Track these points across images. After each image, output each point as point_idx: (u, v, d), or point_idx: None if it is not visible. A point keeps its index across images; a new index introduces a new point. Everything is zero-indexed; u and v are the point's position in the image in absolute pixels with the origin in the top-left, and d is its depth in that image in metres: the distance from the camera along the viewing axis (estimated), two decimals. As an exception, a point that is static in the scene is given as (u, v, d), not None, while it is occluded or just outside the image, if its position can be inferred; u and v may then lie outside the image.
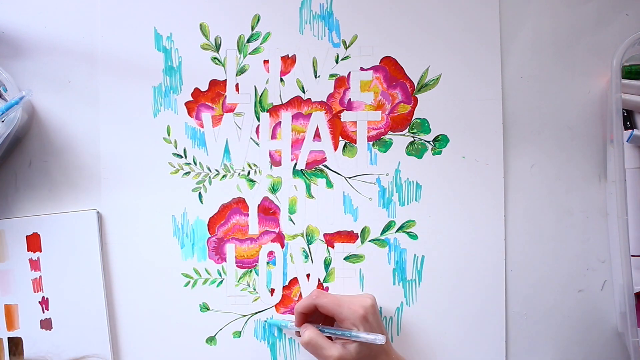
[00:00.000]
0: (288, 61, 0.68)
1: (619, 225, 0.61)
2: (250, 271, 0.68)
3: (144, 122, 0.68)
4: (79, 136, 0.68)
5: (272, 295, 0.68)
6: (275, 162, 0.68)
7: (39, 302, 0.66)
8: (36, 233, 0.67)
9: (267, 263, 0.68)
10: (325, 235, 0.68)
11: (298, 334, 0.64)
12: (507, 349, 0.66)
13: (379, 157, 0.68)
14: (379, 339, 0.58)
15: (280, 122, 0.68)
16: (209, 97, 0.68)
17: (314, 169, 0.68)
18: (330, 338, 0.61)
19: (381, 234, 0.68)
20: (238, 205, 0.68)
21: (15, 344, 0.66)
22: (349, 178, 0.68)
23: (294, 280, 0.68)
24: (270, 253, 0.68)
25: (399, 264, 0.67)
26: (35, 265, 0.67)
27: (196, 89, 0.68)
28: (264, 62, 0.68)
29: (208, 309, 0.68)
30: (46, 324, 0.67)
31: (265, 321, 0.67)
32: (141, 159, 0.68)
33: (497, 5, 0.67)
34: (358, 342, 0.59)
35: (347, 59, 0.68)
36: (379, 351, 0.60)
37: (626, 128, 0.64)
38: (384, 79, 0.68)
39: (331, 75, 0.68)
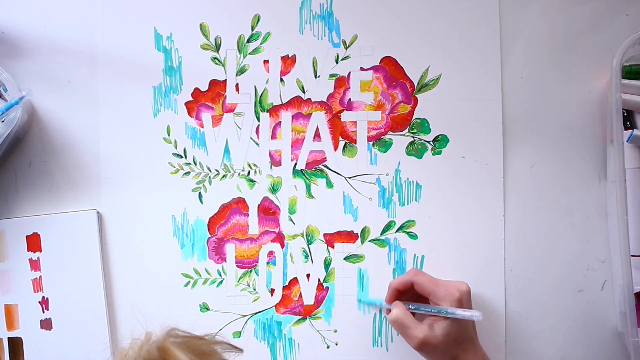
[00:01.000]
0: (288, 61, 0.68)
1: (619, 225, 0.61)
2: (250, 271, 0.68)
3: (144, 122, 0.68)
4: (79, 136, 0.68)
5: (272, 295, 0.68)
6: (275, 162, 0.68)
7: (39, 302, 0.67)
8: (36, 233, 0.67)
9: (267, 263, 0.68)
10: (325, 235, 0.68)
11: (388, 311, 0.64)
12: (506, 348, 0.66)
13: (379, 157, 0.68)
14: (475, 315, 0.58)
15: (280, 122, 0.68)
16: (209, 97, 0.68)
17: (314, 169, 0.68)
18: (420, 319, 0.61)
19: (381, 234, 0.68)
20: (238, 205, 0.68)
21: (15, 344, 0.66)
22: (349, 178, 0.68)
23: (294, 281, 0.68)
24: (270, 253, 0.68)
25: (399, 264, 0.67)
26: (35, 265, 0.67)
27: (196, 89, 0.68)
28: (264, 62, 0.68)
29: (208, 309, 0.68)
30: (46, 324, 0.67)
31: (360, 300, 0.67)
32: (141, 159, 0.68)
33: (497, 5, 0.67)
34: (447, 322, 0.59)
35: (347, 59, 0.68)
36: (465, 338, 0.60)
37: (626, 128, 0.64)
38: (384, 79, 0.68)
39: (331, 75, 0.68)
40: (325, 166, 0.68)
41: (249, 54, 0.68)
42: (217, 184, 0.68)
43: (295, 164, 0.68)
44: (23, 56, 0.68)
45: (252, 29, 0.68)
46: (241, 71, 0.68)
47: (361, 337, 0.67)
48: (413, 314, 0.61)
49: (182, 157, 0.68)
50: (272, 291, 0.68)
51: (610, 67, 0.62)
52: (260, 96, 0.68)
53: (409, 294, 0.64)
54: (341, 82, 0.68)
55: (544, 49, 0.67)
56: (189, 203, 0.68)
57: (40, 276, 0.67)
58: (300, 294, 0.68)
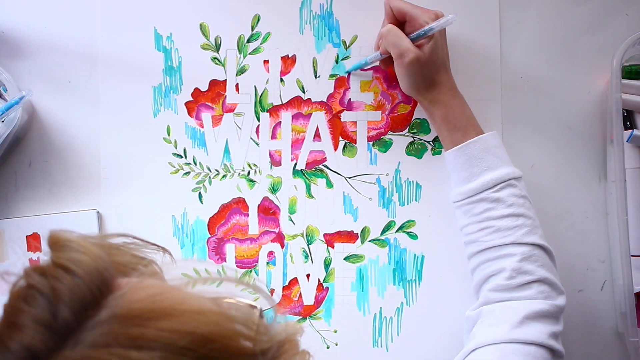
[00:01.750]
0: (288, 61, 0.68)
1: (619, 225, 0.61)
2: (250, 271, 0.68)
3: (144, 122, 0.68)
4: (79, 136, 0.68)
5: (272, 295, 0.68)
6: (275, 162, 0.68)
7: (39, 302, 0.66)
8: (36, 233, 0.67)
9: (267, 263, 0.68)
10: (325, 235, 0.68)
11: (379, 65, 0.65)
12: (507, 349, 0.66)
13: (379, 157, 0.68)
14: (450, 17, 0.58)
15: (280, 122, 0.68)
16: (209, 97, 0.68)
17: (314, 169, 0.68)
18: None
19: (381, 234, 0.68)
20: (238, 205, 0.68)
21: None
22: (349, 178, 0.68)
23: (294, 281, 0.68)
24: (270, 253, 0.68)
25: (399, 264, 0.67)
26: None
27: (196, 89, 0.68)
28: (264, 62, 0.68)
29: (208, 309, 0.67)
30: (46, 324, 0.66)
31: (344, 71, 0.68)
32: (141, 159, 0.68)
33: (497, 5, 0.67)
34: (431, 44, 0.59)
35: (347, 59, 0.68)
36: (440, 65, 0.61)
37: (626, 128, 0.64)
38: (384, 79, 0.68)
39: (331, 75, 0.68)
40: (325, 166, 0.68)
41: (249, 54, 0.68)
42: (217, 184, 0.68)
43: (295, 164, 0.68)
44: (23, 56, 0.68)
45: (252, 29, 0.68)
46: (241, 71, 0.68)
47: (361, 338, 0.67)
48: None
49: (182, 157, 0.68)
50: (272, 291, 0.68)
51: (610, 67, 0.62)
52: (260, 96, 0.68)
53: None
54: (341, 82, 0.68)
55: (544, 49, 0.67)
56: (189, 203, 0.68)
57: (40, 276, 0.67)
58: (300, 294, 0.68)
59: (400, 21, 0.62)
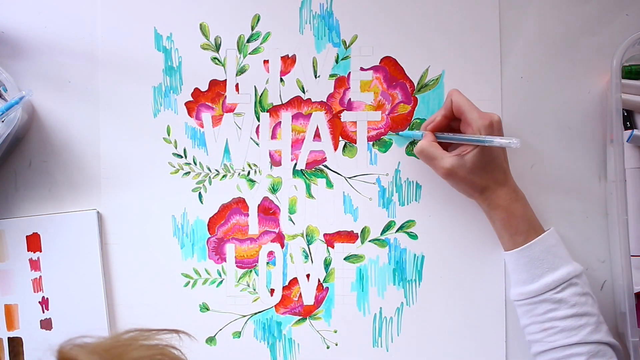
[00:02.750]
0: (288, 61, 0.68)
1: (619, 225, 0.61)
2: (250, 271, 0.68)
3: (144, 122, 0.68)
4: (79, 136, 0.68)
5: (272, 295, 0.68)
6: (275, 162, 0.68)
7: (39, 302, 0.67)
8: (36, 233, 0.67)
9: (267, 263, 0.68)
10: (325, 235, 0.68)
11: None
12: (507, 348, 0.66)
13: (379, 157, 0.68)
14: (513, 142, 0.56)
15: (280, 122, 0.68)
16: (209, 97, 0.68)
17: (314, 169, 0.68)
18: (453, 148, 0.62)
19: (381, 234, 0.68)
20: (238, 205, 0.68)
21: (16, 344, 0.66)
22: (349, 178, 0.68)
23: (294, 281, 0.68)
24: (270, 253, 0.68)
25: (399, 264, 0.67)
26: (35, 265, 0.67)
27: (196, 89, 0.68)
28: (264, 62, 0.68)
29: (208, 309, 0.68)
30: (46, 324, 0.67)
31: (398, 134, 0.67)
32: (141, 159, 0.68)
33: (497, 5, 0.67)
34: (477, 152, 0.59)
35: (347, 59, 0.68)
36: (495, 167, 0.60)
37: (626, 128, 0.64)
38: (384, 79, 0.68)
39: (331, 75, 0.68)
40: (325, 166, 0.68)
41: (249, 54, 0.68)
42: (217, 184, 0.68)
43: (295, 164, 0.68)
44: (23, 56, 0.68)
45: (252, 29, 0.68)
46: (241, 71, 0.68)
47: (361, 338, 0.67)
48: (446, 146, 0.62)
49: (182, 157, 0.68)
50: (272, 291, 0.68)
51: (610, 67, 0.62)
52: (260, 96, 0.68)
53: (449, 123, 0.64)
54: (341, 82, 0.68)
55: (544, 49, 0.67)
56: (189, 203, 0.68)
57: (40, 276, 0.67)
58: (300, 294, 0.68)
59: (456, 116, 0.63)
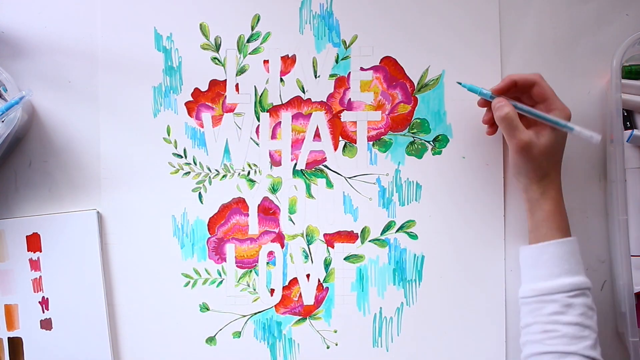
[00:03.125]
0: (288, 61, 0.68)
1: (619, 225, 0.61)
2: (250, 271, 0.68)
3: (144, 122, 0.68)
4: (79, 136, 0.68)
5: (272, 295, 0.68)
6: (275, 162, 0.68)
7: (39, 302, 0.67)
8: (36, 233, 0.67)
9: (267, 263, 0.68)
10: (325, 235, 0.68)
11: (483, 102, 0.63)
12: (506, 349, 0.66)
13: (379, 157, 0.68)
14: (595, 137, 0.58)
15: (280, 122, 0.68)
16: (209, 97, 0.68)
17: (314, 169, 0.68)
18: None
19: (381, 234, 0.68)
20: (238, 205, 0.68)
21: (16, 344, 0.66)
22: (349, 178, 0.68)
23: (294, 281, 0.68)
24: (270, 253, 0.68)
25: (399, 264, 0.67)
26: (35, 265, 0.67)
27: (196, 89, 0.68)
28: (264, 62, 0.68)
29: (208, 309, 0.68)
30: (46, 324, 0.67)
31: (460, 83, 0.63)
32: (141, 159, 0.68)
33: (497, 5, 0.67)
34: (551, 136, 0.59)
35: (347, 59, 0.68)
36: (558, 159, 0.61)
37: (626, 128, 0.64)
38: (384, 79, 0.68)
39: (331, 75, 0.68)
40: (325, 166, 0.68)
41: (249, 54, 0.68)
42: (217, 184, 0.68)
43: (295, 164, 0.68)
44: (23, 56, 0.68)
45: (252, 29, 0.68)
46: (241, 71, 0.68)
47: (361, 338, 0.67)
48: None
49: (182, 157, 0.68)
50: (272, 291, 0.68)
51: (610, 67, 0.62)
52: (260, 96, 0.68)
53: (513, 95, 0.62)
54: (341, 82, 0.68)
55: (544, 49, 0.67)
56: (189, 203, 0.68)
57: (40, 276, 0.67)
58: (300, 294, 0.68)
59: (536, 100, 0.61)
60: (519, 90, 0.62)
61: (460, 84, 0.63)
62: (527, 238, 0.67)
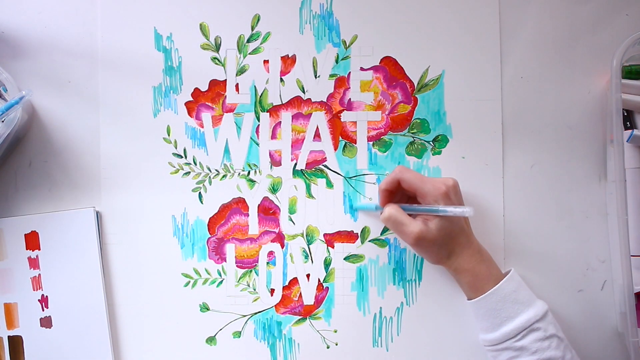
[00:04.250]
0: (288, 61, 0.68)
1: (619, 225, 0.61)
2: (250, 271, 0.68)
3: (144, 122, 0.68)
4: (79, 136, 0.68)
5: (272, 295, 0.68)
6: (275, 162, 0.68)
7: (39, 300, 0.67)
8: (34, 231, 0.67)
9: (267, 263, 0.68)
10: (325, 235, 0.68)
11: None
12: (507, 349, 0.66)
13: (379, 157, 0.68)
14: (466, 211, 0.58)
15: (280, 122, 0.68)
16: (209, 97, 0.68)
17: (314, 169, 0.68)
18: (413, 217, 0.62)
19: (381, 234, 0.67)
20: (238, 205, 0.68)
21: (16, 343, 0.66)
22: (349, 178, 0.68)
23: (294, 281, 0.68)
24: (270, 253, 0.68)
25: (399, 264, 0.67)
26: (34, 263, 0.67)
27: (196, 89, 0.68)
28: (264, 62, 0.68)
29: (208, 309, 0.68)
30: (46, 322, 0.67)
31: (352, 207, 0.67)
32: (141, 159, 0.68)
33: (497, 5, 0.67)
34: (439, 218, 0.60)
35: (347, 59, 0.68)
36: (458, 232, 0.61)
37: (626, 128, 0.64)
38: (384, 79, 0.68)
39: (331, 75, 0.68)
40: (325, 166, 0.68)
41: (249, 54, 0.68)
42: (217, 184, 0.68)
43: (295, 164, 0.68)
44: (23, 56, 0.68)
45: (252, 29, 0.68)
46: (241, 71, 0.68)
47: (361, 337, 0.67)
48: None
49: (182, 157, 0.68)
50: (272, 291, 0.68)
51: (610, 67, 0.62)
52: (260, 96, 0.68)
53: (398, 195, 0.64)
54: (341, 82, 0.68)
55: (544, 49, 0.67)
56: (189, 203, 0.68)
57: (40, 274, 0.67)
58: (300, 294, 0.68)
59: (408, 192, 0.63)
60: (399, 191, 0.64)
61: (351, 207, 0.67)
62: (526, 238, 0.67)
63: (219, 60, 0.68)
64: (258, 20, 0.68)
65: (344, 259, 0.68)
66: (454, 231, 0.61)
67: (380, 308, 0.67)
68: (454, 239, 0.61)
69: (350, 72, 0.68)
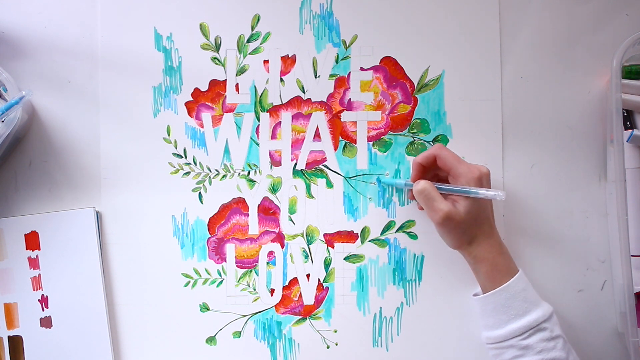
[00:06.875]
0: (288, 61, 0.68)
1: (619, 225, 0.61)
2: (250, 271, 0.68)
3: (144, 122, 0.68)
4: (79, 136, 0.68)
5: (272, 295, 0.68)
6: (275, 162, 0.68)
7: (39, 300, 0.67)
8: (34, 231, 0.67)
9: (267, 263, 0.68)
10: (325, 235, 0.68)
11: (411, 193, 0.64)
12: (507, 349, 0.66)
13: (379, 157, 0.68)
14: (499, 194, 0.58)
15: (280, 122, 0.68)
16: (209, 97, 0.68)
17: (314, 169, 0.68)
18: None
19: (381, 234, 0.67)
20: (238, 205, 0.68)
21: (16, 343, 0.66)
22: (349, 178, 0.68)
23: (294, 281, 0.68)
24: (270, 253, 0.68)
25: (399, 264, 0.67)
26: (34, 263, 0.67)
27: (196, 89, 0.68)
28: (264, 62, 0.68)
29: (208, 309, 0.68)
30: (46, 322, 0.67)
31: (380, 181, 0.67)
32: (141, 159, 0.68)
33: (496, 5, 0.67)
34: (468, 202, 0.60)
35: (347, 59, 0.68)
36: (483, 219, 0.61)
37: (626, 128, 0.64)
38: (384, 79, 0.68)
39: (331, 75, 0.68)
40: (325, 166, 0.68)
41: (249, 54, 0.68)
42: (217, 184, 0.68)
43: (295, 164, 0.68)
44: (23, 56, 0.68)
45: (252, 29, 0.68)
46: (241, 71, 0.68)
47: (361, 337, 0.67)
48: None
49: (182, 157, 0.68)
50: (272, 291, 0.68)
51: (610, 67, 0.62)
52: (260, 96, 0.68)
53: (430, 173, 0.65)
54: (341, 82, 0.68)
55: (544, 49, 0.67)
56: (189, 203, 0.68)
57: (40, 274, 0.67)
58: (300, 294, 0.68)
59: (443, 169, 0.63)
60: (432, 168, 0.64)
61: (379, 181, 0.67)
62: (526, 238, 0.67)
63: (219, 60, 0.68)
64: (258, 20, 0.68)
65: (344, 259, 0.68)
66: (480, 218, 0.61)
67: (380, 308, 0.67)
68: (478, 226, 0.61)
69: (350, 72, 0.68)
